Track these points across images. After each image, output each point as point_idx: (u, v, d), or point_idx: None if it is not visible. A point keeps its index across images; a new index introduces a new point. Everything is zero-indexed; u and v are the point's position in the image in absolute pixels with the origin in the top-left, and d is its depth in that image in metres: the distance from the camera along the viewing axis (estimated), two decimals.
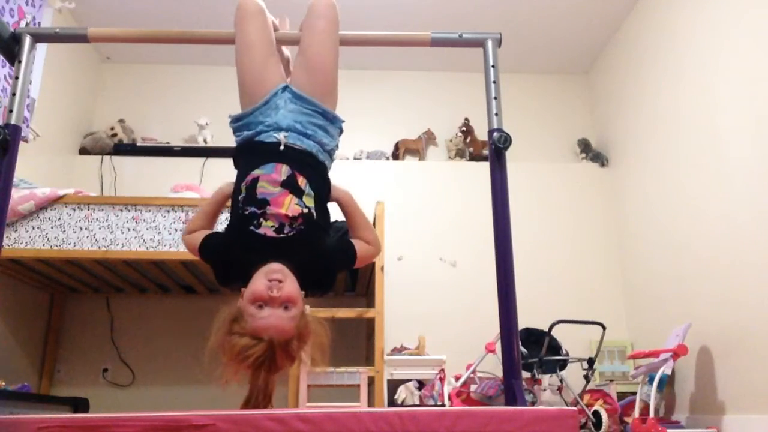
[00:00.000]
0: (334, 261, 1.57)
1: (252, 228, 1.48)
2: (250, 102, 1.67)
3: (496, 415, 1.11)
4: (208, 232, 1.64)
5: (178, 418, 1.09)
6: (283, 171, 1.53)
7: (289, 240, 1.48)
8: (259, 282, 1.39)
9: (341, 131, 1.74)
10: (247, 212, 1.49)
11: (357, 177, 4.37)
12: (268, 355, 1.34)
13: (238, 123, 1.68)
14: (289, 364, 1.40)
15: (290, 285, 1.41)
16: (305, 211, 1.50)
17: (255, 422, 1.09)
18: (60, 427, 1.07)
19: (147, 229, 3.16)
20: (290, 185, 1.51)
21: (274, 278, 1.39)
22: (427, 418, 1.09)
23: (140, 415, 1.10)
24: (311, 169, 1.58)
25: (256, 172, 1.53)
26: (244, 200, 1.51)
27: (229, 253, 1.53)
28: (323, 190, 1.60)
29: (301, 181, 1.53)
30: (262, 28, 1.72)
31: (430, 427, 1.07)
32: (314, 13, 1.73)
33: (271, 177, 1.52)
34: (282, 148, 1.56)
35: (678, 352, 3.06)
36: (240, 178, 1.57)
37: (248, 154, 1.61)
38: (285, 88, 1.67)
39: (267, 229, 1.47)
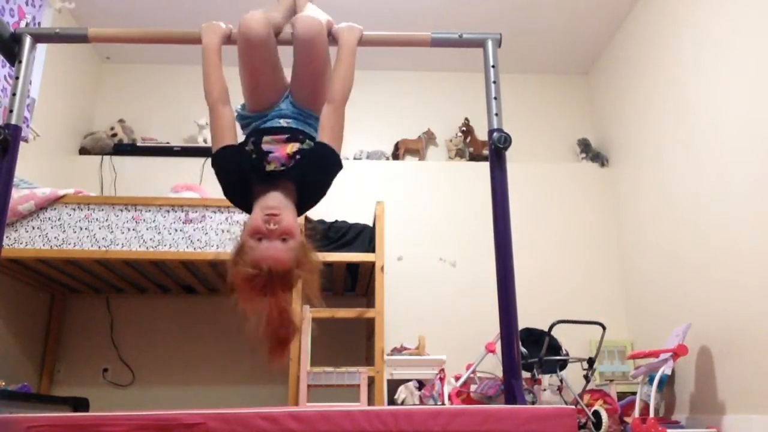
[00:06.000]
0: (328, 169, 1.64)
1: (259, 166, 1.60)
2: (256, 107, 1.75)
3: (493, 413, 1.10)
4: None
5: (168, 417, 1.08)
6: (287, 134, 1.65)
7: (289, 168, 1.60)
8: (256, 216, 1.48)
9: None
10: (254, 156, 1.61)
11: (357, 177, 4.37)
12: (267, 284, 1.41)
13: (245, 121, 1.77)
14: (291, 288, 1.48)
15: (287, 217, 1.48)
16: (304, 147, 1.63)
17: (247, 421, 1.07)
18: (49, 426, 1.06)
19: (147, 229, 3.16)
20: (293, 140, 1.64)
21: (271, 213, 1.46)
22: (422, 416, 1.07)
23: (130, 414, 1.08)
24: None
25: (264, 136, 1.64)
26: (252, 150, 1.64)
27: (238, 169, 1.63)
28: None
29: (301, 137, 1.66)
30: (268, 54, 1.71)
31: (425, 426, 1.05)
32: (299, 37, 1.70)
33: (277, 137, 1.63)
34: (284, 124, 1.67)
35: (678, 352, 3.05)
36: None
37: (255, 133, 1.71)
38: (287, 97, 1.74)
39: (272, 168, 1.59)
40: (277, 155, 1.59)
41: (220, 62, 1.73)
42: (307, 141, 1.65)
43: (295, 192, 1.58)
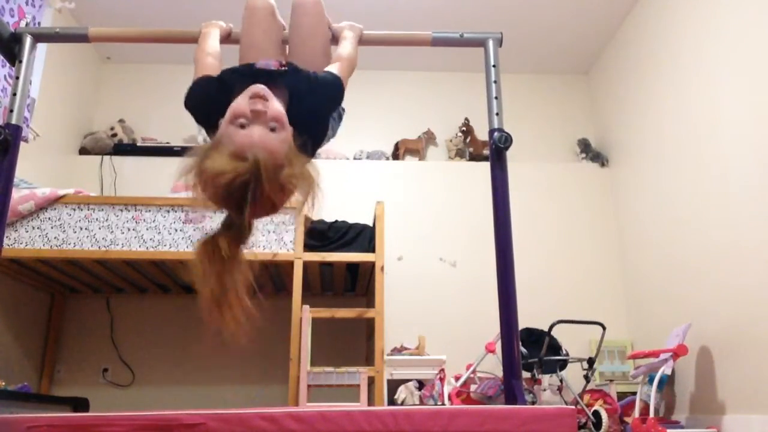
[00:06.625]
0: (326, 87, 1.45)
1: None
2: None
3: (493, 413, 1.10)
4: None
5: (168, 417, 1.08)
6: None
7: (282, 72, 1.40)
8: (240, 100, 1.23)
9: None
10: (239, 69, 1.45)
11: (357, 177, 4.37)
12: (253, 178, 1.11)
13: None
14: (280, 198, 1.18)
15: (277, 104, 1.25)
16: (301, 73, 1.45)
17: (246, 421, 1.07)
18: (49, 426, 1.05)
19: (147, 229, 3.17)
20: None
21: (258, 94, 1.23)
22: (421, 416, 1.07)
23: (130, 414, 1.08)
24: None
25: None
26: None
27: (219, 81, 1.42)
28: None
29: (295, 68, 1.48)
30: (271, 29, 1.70)
31: (424, 426, 1.05)
32: (298, 12, 1.70)
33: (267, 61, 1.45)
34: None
35: (678, 352, 3.05)
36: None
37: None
38: None
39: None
40: (268, 62, 1.39)
41: (216, 44, 1.66)
42: (305, 71, 1.46)
43: (287, 100, 1.35)
